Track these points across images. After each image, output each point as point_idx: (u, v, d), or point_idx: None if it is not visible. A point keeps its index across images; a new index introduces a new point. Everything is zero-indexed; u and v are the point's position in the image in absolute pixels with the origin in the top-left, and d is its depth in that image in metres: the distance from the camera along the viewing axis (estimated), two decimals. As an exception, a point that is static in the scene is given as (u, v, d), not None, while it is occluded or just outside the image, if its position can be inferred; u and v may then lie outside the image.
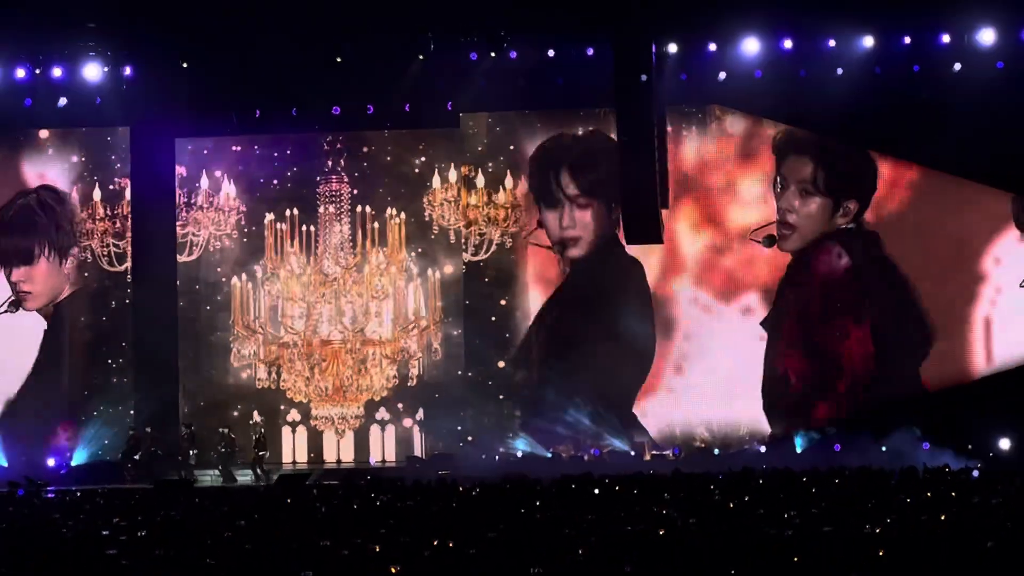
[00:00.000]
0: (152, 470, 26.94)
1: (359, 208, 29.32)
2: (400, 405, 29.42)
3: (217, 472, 27.78)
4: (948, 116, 26.46)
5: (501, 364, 28.83)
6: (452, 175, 29.08)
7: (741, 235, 28.45)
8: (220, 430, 28.28)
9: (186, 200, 29.27)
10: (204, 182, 29.41)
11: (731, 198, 28.58)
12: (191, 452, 27.82)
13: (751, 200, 28.46)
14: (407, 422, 29.41)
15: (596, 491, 18.51)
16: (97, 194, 29.22)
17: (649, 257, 28.47)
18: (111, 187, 29.32)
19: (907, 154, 27.88)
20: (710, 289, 28.62)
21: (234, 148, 29.75)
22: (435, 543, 12.64)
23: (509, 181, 28.89)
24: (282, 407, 29.52)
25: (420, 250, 29.35)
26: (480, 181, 28.88)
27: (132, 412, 28.45)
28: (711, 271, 28.66)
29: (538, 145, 28.91)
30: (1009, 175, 27.48)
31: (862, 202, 28.05)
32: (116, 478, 26.89)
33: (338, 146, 29.65)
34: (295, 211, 29.13)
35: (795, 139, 28.29)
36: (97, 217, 29.18)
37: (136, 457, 27.63)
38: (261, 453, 27.99)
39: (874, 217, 28.09)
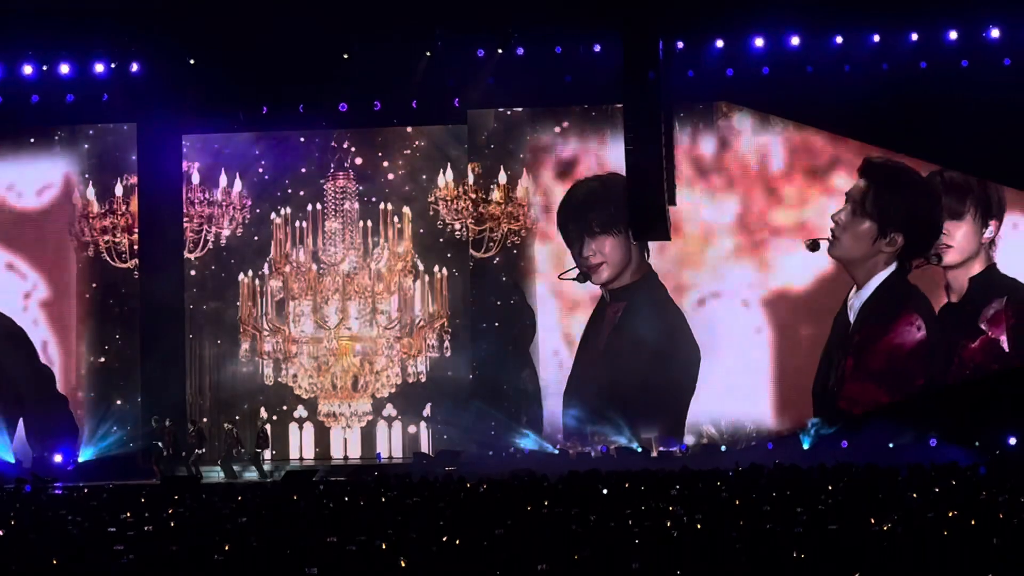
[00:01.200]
0: (173, 463, 27.08)
1: (366, 205, 29.32)
2: (407, 402, 29.43)
3: (219, 468, 27.81)
4: (955, 113, 26.45)
5: (509, 361, 28.82)
6: (460, 172, 29.07)
7: (767, 234, 28.45)
8: (225, 425, 28.33)
9: (193, 196, 29.27)
10: (211, 179, 29.41)
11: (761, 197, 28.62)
12: (196, 450, 27.79)
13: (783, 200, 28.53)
14: (414, 418, 29.43)
15: (603, 488, 18.49)
16: (119, 189, 29.16)
17: (663, 252, 28.46)
18: (119, 184, 29.30)
19: (914, 151, 27.83)
20: (721, 284, 28.64)
21: (241, 145, 29.75)
22: (442, 539, 12.64)
23: (524, 179, 28.89)
24: (289, 404, 29.54)
25: (428, 247, 29.34)
26: (487, 178, 28.86)
27: (140, 408, 28.46)
28: (724, 267, 28.67)
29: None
30: (1016, 171, 27.47)
31: (908, 240, 27.71)
32: (123, 474, 26.88)
33: (345, 143, 29.66)
34: (302, 208, 29.13)
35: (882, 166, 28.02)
36: (114, 212, 29.13)
37: (167, 452, 27.62)
38: (257, 451, 27.98)
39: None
